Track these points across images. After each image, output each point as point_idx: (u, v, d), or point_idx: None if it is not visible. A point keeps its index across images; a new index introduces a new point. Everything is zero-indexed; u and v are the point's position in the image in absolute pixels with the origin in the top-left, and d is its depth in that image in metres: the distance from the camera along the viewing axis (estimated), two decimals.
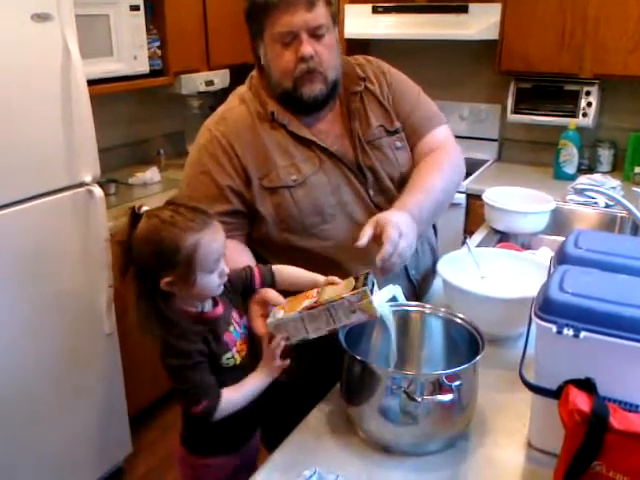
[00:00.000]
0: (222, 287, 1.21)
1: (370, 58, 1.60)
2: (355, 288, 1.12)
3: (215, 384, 1.18)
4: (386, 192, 1.49)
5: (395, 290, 1.25)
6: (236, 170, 1.41)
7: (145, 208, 1.17)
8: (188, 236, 1.12)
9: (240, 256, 1.40)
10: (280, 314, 1.18)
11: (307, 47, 1.36)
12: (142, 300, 1.17)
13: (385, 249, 1.22)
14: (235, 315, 1.27)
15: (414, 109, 1.57)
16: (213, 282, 1.17)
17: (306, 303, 1.16)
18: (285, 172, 1.42)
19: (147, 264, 1.15)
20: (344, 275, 1.24)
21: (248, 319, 1.28)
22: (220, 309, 1.24)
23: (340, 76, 1.48)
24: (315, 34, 1.37)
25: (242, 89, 1.53)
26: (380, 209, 1.43)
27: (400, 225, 1.27)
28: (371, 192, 1.48)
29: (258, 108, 1.46)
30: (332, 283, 1.21)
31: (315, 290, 1.20)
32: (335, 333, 1.15)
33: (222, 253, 1.18)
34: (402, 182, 1.50)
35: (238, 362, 1.22)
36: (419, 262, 1.58)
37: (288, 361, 1.20)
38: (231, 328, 1.24)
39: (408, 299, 1.51)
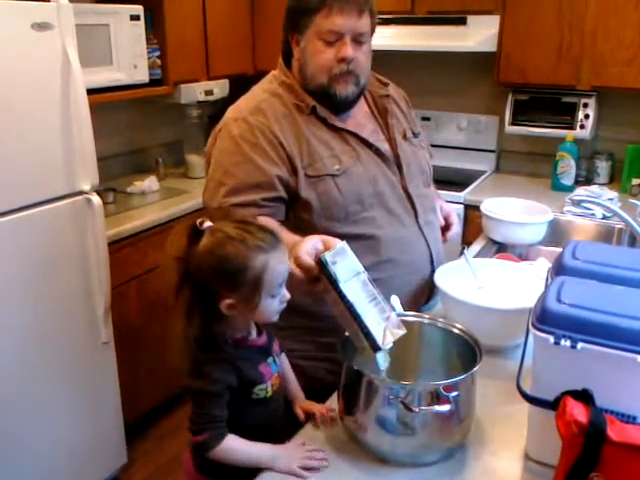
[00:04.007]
0: (278, 315, 1.16)
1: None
2: None
3: (225, 424, 1.11)
4: (416, 186, 1.60)
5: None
6: (282, 159, 1.45)
7: (208, 224, 1.12)
8: (257, 256, 1.09)
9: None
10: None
11: (349, 50, 1.45)
12: (196, 319, 1.11)
13: (454, 228, 1.74)
14: (275, 347, 1.25)
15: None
16: (273, 307, 1.14)
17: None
18: (329, 162, 1.48)
19: (209, 281, 1.10)
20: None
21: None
22: (264, 339, 1.21)
23: (368, 81, 1.57)
24: (357, 40, 1.46)
25: (266, 85, 1.57)
26: (411, 200, 1.56)
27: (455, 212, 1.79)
28: (407, 183, 1.57)
29: (295, 101, 1.51)
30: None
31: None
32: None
33: (286, 277, 1.14)
34: (426, 179, 1.66)
35: (269, 395, 1.18)
36: (440, 258, 1.64)
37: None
38: (270, 360, 1.20)
39: (428, 285, 1.59)
